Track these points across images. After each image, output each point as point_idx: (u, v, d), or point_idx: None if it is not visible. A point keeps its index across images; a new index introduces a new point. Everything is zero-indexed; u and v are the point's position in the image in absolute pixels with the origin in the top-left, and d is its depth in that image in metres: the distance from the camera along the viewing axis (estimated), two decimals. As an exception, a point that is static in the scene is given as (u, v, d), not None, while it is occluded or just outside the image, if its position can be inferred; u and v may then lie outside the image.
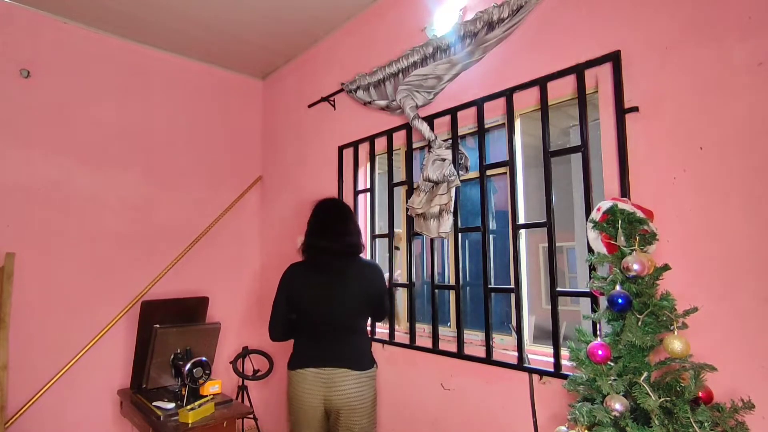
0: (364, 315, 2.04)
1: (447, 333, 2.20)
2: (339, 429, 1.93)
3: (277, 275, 2.10)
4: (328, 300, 1.94)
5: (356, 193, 2.73)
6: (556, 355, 1.68)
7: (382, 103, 2.45)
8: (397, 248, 2.45)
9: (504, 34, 1.94)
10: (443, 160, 2.10)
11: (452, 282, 2.12)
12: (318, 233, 1.98)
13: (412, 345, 2.26)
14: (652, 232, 1.35)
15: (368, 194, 2.69)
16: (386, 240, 2.48)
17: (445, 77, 2.16)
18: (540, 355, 1.83)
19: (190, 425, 2.09)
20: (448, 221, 2.07)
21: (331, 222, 1.99)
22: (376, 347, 2.45)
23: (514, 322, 1.89)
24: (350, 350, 1.95)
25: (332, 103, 2.94)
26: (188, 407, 2.14)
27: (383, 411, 2.38)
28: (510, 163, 1.93)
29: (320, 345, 1.95)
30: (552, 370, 1.70)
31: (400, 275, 2.44)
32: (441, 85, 2.20)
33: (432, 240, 2.22)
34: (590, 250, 1.49)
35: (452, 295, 2.15)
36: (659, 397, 1.18)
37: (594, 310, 1.59)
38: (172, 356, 2.41)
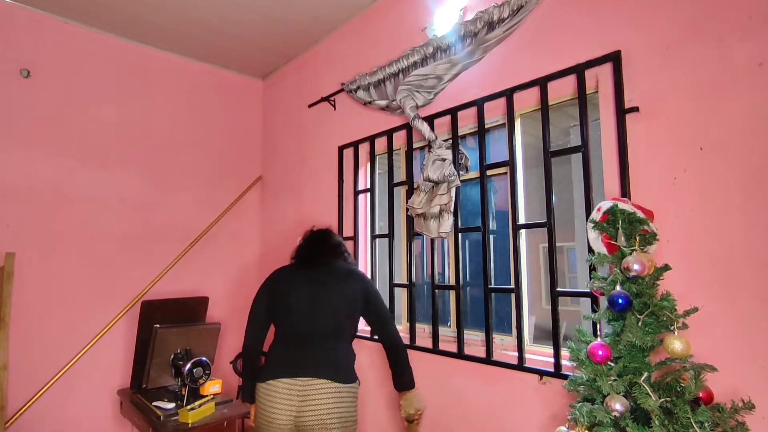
0: (351, 321, 1.86)
1: (447, 333, 2.20)
2: None
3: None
4: (315, 300, 1.80)
5: (356, 193, 2.72)
6: (557, 356, 1.68)
7: (382, 103, 2.45)
8: None
9: (504, 34, 1.94)
10: (443, 160, 2.10)
11: (452, 282, 2.12)
12: (303, 250, 1.97)
13: (412, 345, 2.26)
14: (653, 233, 1.34)
15: (368, 194, 2.69)
16: (386, 240, 2.48)
17: (445, 77, 2.16)
18: (540, 355, 1.83)
19: (190, 425, 2.09)
20: (448, 221, 2.07)
21: (315, 246, 1.96)
22: (376, 347, 2.45)
23: (514, 322, 1.89)
24: (332, 358, 1.74)
25: (332, 103, 2.94)
26: (188, 407, 2.14)
27: (384, 411, 2.38)
28: (510, 163, 1.93)
29: (299, 352, 1.74)
30: (552, 370, 1.70)
31: None
32: (441, 85, 2.20)
33: (432, 240, 2.22)
34: (590, 250, 1.49)
35: (452, 295, 2.15)
36: (659, 398, 1.18)
37: (594, 311, 1.59)
38: (172, 356, 2.41)
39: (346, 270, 1.91)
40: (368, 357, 2.51)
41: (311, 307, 1.79)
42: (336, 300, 1.81)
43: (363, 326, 2.63)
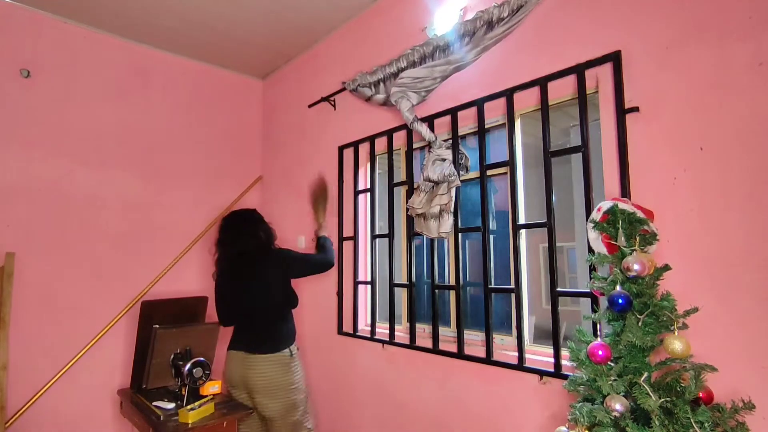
0: (281, 292, 2.31)
1: (447, 333, 2.20)
2: (256, 408, 2.26)
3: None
4: (241, 297, 2.29)
5: (356, 193, 2.72)
6: (557, 356, 1.68)
7: (381, 97, 2.44)
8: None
9: (503, 34, 1.94)
10: (443, 160, 2.10)
11: (452, 282, 2.12)
12: (220, 243, 2.38)
13: (412, 345, 2.26)
14: (653, 233, 1.34)
15: (368, 194, 2.69)
16: (386, 240, 2.48)
17: (439, 78, 2.17)
18: (540, 355, 1.83)
19: (190, 425, 2.08)
20: (448, 221, 2.07)
21: (228, 231, 2.37)
22: (375, 347, 2.46)
23: (514, 322, 1.89)
24: (264, 336, 2.26)
25: (332, 103, 2.93)
26: (188, 407, 2.14)
27: (384, 411, 2.38)
28: (510, 163, 1.93)
29: (242, 332, 2.32)
30: (552, 370, 1.70)
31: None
32: (436, 84, 2.20)
33: (432, 240, 2.22)
34: (590, 250, 1.49)
35: (452, 295, 2.15)
36: (659, 398, 1.18)
37: (594, 311, 1.59)
38: (172, 356, 2.41)
39: (262, 254, 2.33)
40: (368, 357, 2.51)
41: (246, 299, 2.27)
42: (262, 287, 2.27)
43: (363, 326, 2.64)
